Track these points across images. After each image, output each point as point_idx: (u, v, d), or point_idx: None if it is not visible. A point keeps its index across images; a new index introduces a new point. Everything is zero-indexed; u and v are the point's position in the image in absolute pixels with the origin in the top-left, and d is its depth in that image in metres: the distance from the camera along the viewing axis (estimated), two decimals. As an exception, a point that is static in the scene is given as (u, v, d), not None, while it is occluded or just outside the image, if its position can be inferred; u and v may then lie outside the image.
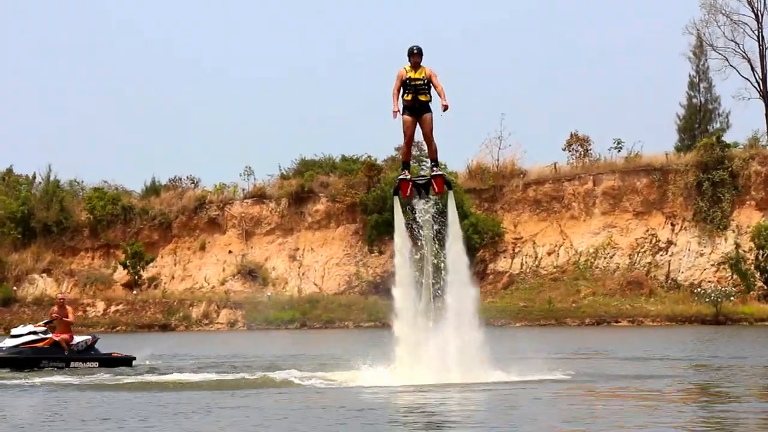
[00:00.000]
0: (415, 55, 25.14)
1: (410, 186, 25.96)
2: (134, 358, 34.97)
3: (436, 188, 25.67)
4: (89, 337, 35.97)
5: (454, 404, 20.64)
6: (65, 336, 34.42)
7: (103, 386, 25.96)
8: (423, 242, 26.11)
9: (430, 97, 25.16)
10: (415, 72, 25.15)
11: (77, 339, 34.88)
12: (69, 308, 36.06)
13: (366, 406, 20.32)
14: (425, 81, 25.09)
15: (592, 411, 18.97)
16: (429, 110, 25.28)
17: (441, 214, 25.94)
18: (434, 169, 25.98)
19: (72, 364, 33.81)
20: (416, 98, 25.12)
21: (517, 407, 19.72)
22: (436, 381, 24.27)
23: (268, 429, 17.12)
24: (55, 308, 35.75)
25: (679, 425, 16.22)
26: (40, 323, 35.71)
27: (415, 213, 25.91)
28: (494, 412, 19.14)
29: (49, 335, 34.37)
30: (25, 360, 33.58)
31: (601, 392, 22.36)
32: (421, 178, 26.41)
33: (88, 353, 34.70)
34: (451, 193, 26.11)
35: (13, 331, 35.71)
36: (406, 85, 25.10)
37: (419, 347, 25.72)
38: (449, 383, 23.95)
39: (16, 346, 34.00)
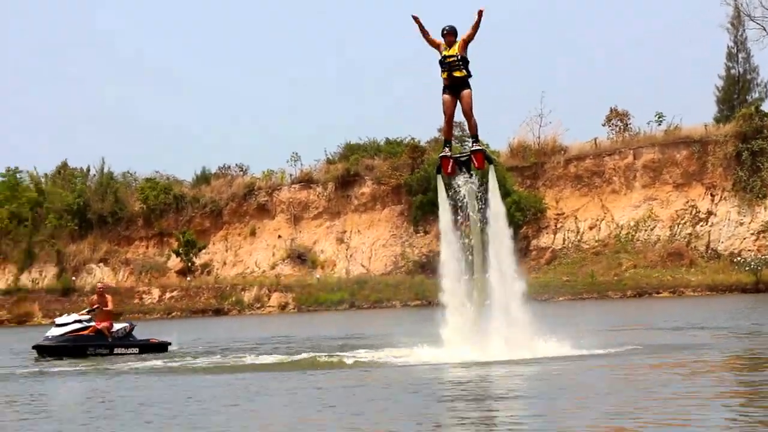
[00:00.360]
0: (448, 34, 25.07)
1: (451, 163, 25.91)
2: (170, 344, 35.43)
3: (476, 163, 25.54)
4: (127, 324, 36.49)
5: (516, 379, 20.66)
6: (106, 324, 34.95)
7: (184, 370, 26.13)
8: (468, 219, 26.20)
9: (467, 72, 25.05)
10: (449, 49, 25.20)
11: (116, 327, 35.41)
12: (108, 297, 36.50)
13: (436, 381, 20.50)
14: (458, 57, 24.95)
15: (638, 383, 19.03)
16: (467, 86, 25.14)
17: (484, 190, 26.00)
18: (474, 144, 25.96)
19: (115, 350, 34.41)
20: (451, 75, 25.03)
21: (566, 381, 19.81)
22: (488, 358, 24.15)
23: (369, 404, 17.24)
24: (95, 297, 36.16)
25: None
26: (83, 312, 36.01)
27: (459, 190, 26.00)
28: (547, 386, 19.19)
29: (92, 323, 34.88)
30: (73, 348, 34.15)
31: (652, 364, 22.33)
32: (462, 155, 26.26)
33: (127, 340, 35.31)
34: (492, 168, 25.99)
35: (58, 320, 36.16)
36: (441, 63, 25.17)
37: (469, 324, 25.93)
38: (500, 360, 23.96)
39: (63, 335, 34.56)
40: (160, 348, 34.98)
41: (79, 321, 35.09)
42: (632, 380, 19.18)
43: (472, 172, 25.90)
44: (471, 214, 25.92)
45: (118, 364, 29.37)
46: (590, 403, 15.79)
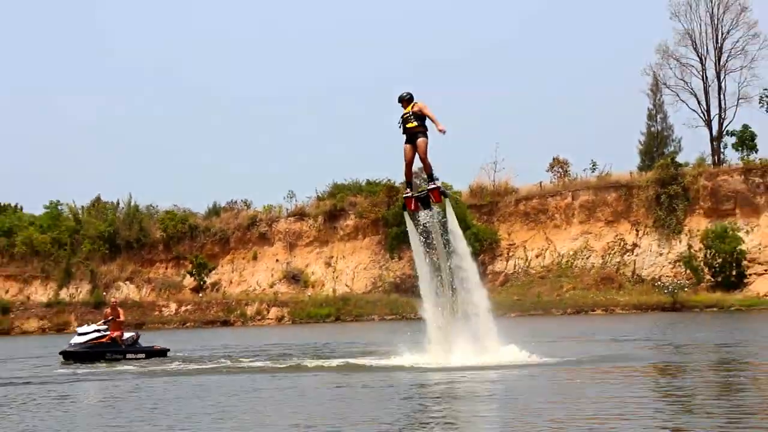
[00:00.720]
0: (404, 101, 25.66)
1: (413, 201, 26.21)
2: (168, 350, 35.45)
3: (434, 198, 25.78)
4: (134, 333, 36.35)
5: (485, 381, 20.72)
6: (119, 333, 34.99)
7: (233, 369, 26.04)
8: (434, 245, 26.28)
9: (419, 124, 25.24)
10: (405, 109, 25.62)
11: (126, 335, 35.33)
12: (120, 310, 36.41)
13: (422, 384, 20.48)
14: (411, 113, 25.31)
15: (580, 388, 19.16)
16: (423, 136, 25.34)
17: (444, 220, 26.14)
18: (430, 183, 26.07)
19: (126, 356, 34.32)
20: (405, 127, 25.42)
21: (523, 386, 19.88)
22: (463, 363, 24.24)
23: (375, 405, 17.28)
24: (109, 310, 36.03)
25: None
26: (100, 322, 35.83)
27: (424, 221, 26.11)
28: (513, 389, 19.26)
29: (108, 333, 34.87)
30: (93, 354, 34.01)
31: (588, 371, 22.49)
32: (420, 192, 26.48)
33: (134, 347, 35.23)
34: (447, 201, 26.19)
35: (80, 330, 35.80)
36: (399, 120, 25.56)
37: (445, 334, 25.90)
38: (476, 364, 23.97)
39: (84, 343, 34.46)
40: (161, 353, 34.91)
41: (98, 330, 35.05)
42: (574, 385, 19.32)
43: (431, 206, 26.01)
44: (436, 238, 26.05)
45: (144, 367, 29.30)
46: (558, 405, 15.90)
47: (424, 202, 26.15)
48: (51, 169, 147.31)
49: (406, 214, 26.76)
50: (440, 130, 24.96)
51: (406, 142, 25.52)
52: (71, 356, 33.87)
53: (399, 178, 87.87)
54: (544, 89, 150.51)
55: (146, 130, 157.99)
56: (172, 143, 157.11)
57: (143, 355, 34.49)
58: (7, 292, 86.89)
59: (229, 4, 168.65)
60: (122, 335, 35.05)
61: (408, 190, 26.42)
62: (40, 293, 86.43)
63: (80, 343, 34.37)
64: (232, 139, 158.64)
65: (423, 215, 26.18)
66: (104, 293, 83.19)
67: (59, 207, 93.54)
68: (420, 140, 25.41)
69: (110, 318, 35.43)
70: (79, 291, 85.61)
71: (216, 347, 40.45)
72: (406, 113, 25.45)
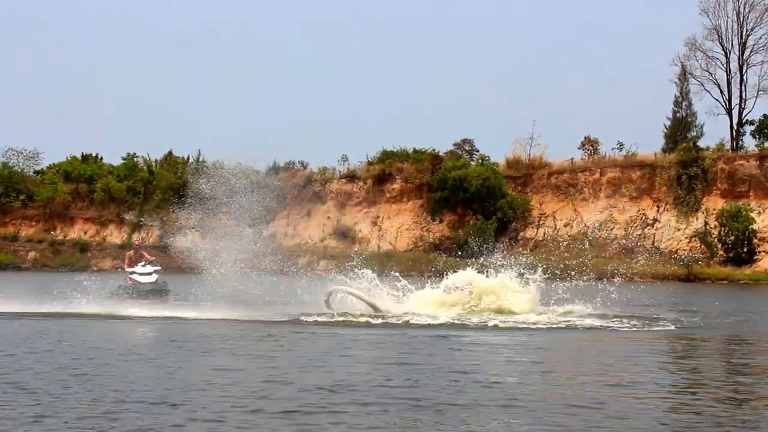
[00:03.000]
0: None
1: None
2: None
3: None
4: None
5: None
6: None
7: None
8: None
9: None
10: None
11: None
12: (144, 252, 35.21)
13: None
14: None
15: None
16: None
17: None
18: None
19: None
20: None
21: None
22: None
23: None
24: (132, 252, 34.55)
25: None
26: (142, 264, 34.26)
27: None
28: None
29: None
30: (166, 291, 33.25)
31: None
32: None
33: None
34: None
35: (142, 270, 33.81)
36: None
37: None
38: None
39: (157, 281, 33.59)
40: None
41: (157, 271, 34.07)
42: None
43: None
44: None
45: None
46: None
47: None
48: (129, 123, 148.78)
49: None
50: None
51: None
52: (153, 293, 32.59)
53: (444, 148, 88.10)
54: (581, 75, 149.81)
55: (218, 89, 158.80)
56: (239, 105, 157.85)
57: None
58: (85, 233, 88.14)
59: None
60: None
61: None
62: (115, 236, 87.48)
63: (154, 282, 33.55)
64: (296, 100, 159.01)
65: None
66: (171, 238, 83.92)
67: (135, 159, 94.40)
68: None
69: (153, 258, 34.45)
70: (150, 236, 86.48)
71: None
72: None
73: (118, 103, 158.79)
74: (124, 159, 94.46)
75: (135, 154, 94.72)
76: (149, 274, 33.52)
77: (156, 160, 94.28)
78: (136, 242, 37.58)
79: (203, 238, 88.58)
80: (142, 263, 34.04)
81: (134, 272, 33.57)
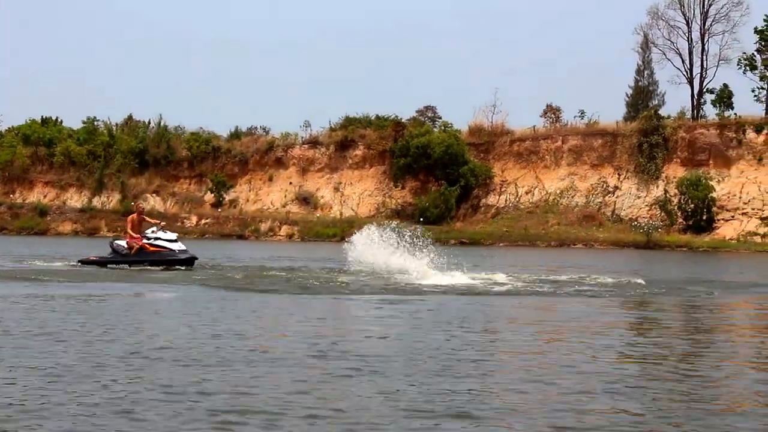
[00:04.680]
0: None
1: None
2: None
3: None
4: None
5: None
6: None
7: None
8: None
9: None
10: None
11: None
12: (145, 217, 31.76)
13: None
14: None
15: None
16: None
17: None
18: None
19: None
20: None
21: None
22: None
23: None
24: (135, 216, 30.47)
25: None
26: (154, 230, 30.04)
27: None
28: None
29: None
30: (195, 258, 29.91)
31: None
32: None
33: None
34: None
35: (167, 236, 30.18)
36: None
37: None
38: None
39: (186, 249, 30.03)
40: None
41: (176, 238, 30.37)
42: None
43: None
44: None
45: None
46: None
47: None
48: (88, 87, 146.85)
49: None
50: None
51: None
52: (188, 262, 29.32)
53: (406, 115, 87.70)
54: (544, 43, 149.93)
55: (177, 51, 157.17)
56: (201, 70, 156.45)
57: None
58: (45, 197, 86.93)
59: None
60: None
61: None
62: (75, 200, 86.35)
63: (183, 250, 29.60)
64: (256, 69, 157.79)
65: None
66: (132, 203, 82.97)
67: (95, 123, 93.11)
68: None
69: (163, 223, 31.68)
70: (110, 200, 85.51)
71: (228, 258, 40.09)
72: None
73: (78, 66, 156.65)
74: (84, 123, 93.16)
75: (95, 117, 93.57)
76: (176, 241, 30.07)
77: (116, 124, 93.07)
78: (140, 206, 32.51)
79: (164, 202, 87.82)
80: (152, 229, 30.34)
81: (158, 238, 29.89)
